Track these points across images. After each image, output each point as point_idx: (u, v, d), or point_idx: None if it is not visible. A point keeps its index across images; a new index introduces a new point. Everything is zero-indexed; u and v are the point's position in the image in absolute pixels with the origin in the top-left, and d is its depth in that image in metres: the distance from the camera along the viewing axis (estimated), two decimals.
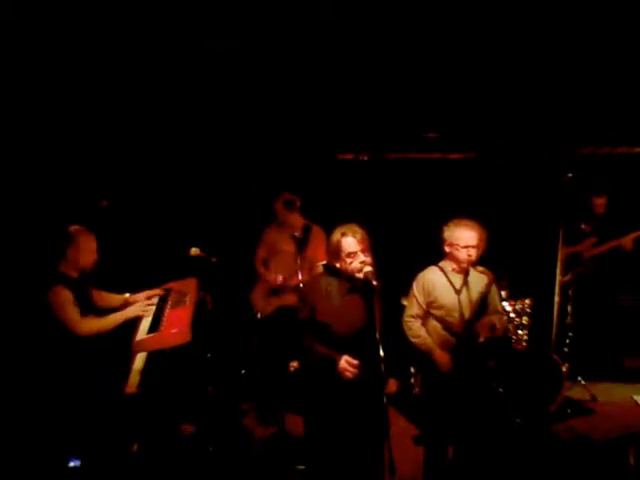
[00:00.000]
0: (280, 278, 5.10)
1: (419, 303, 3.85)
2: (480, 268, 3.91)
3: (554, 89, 5.30)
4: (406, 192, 6.16)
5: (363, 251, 3.35)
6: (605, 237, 5.66)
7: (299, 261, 4.84)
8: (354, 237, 3.34)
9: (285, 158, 6.00)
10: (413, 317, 3.87)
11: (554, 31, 4.63)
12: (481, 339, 3.79)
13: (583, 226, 5.73)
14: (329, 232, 3.53)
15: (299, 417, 3.82)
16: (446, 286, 3.81)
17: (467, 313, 3.78)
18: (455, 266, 3.82)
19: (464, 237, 3.72)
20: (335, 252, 3.37)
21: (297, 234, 4.99)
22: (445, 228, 3.83)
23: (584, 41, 4.71)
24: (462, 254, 3.73)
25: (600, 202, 5.71)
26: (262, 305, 5.28)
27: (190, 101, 5.31)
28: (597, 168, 5.85)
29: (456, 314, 3.78)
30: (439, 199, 5.82)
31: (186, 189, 5.81)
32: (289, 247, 5.11)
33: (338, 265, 3.40)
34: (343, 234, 3.36)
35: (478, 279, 3.86)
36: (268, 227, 5.35)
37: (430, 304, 3.84)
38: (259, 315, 5.30)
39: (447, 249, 3.82)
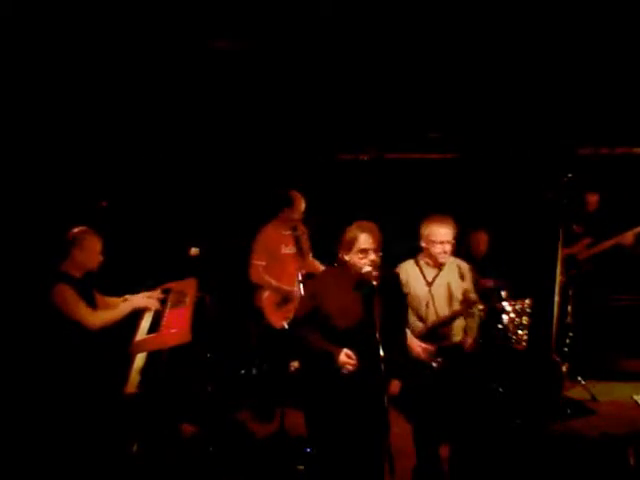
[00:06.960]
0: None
1: None
2: (457, 260, 4.05)
3: (554, 90, 5.30)
4: (406, 192, 6.16)
5: (375, 251, 3.40)
6: (598, 237, 5.64)
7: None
8: (370, 235, 3.39)
9: (285, 158, 6.01)
10: None
11: (554, 32, 4.63)
12: (461, 311, 3.93)
13: (575, 227, 5.72)
14: (328, 232, 3.54)
15: (299, 416, 3.82)
16: (419, 278, 3.97)
17: (439, 306, 3.90)
18: (430, 260, 3.97)
19: (440, 233, 3.89)
20: (349, 246, 3.42)
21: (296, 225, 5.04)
22: (422, 225, 3.98)
23: (584, 42, 4.71)
24: (437, 249, 3.90)
25: (593, 199, 5.72)
26: (274, 317, 5.12)
27: (190, 101, 5.31)
28: (596, 168, 5.86)
29: (427, 305, 3.91)
30: (439, 199, 5.82)
31: (186, 189, 5.82)
32: (290, 249, 5.12)
33: (347, 258, 3.44)
34: (362, 230, 3.42)
35: (452, 272, 4.00)
36: (264, 227, 5.19)
37: (407, 295, 3.95)
38: (273, 326, 5.11)
39: (424, 244, 3.97)
